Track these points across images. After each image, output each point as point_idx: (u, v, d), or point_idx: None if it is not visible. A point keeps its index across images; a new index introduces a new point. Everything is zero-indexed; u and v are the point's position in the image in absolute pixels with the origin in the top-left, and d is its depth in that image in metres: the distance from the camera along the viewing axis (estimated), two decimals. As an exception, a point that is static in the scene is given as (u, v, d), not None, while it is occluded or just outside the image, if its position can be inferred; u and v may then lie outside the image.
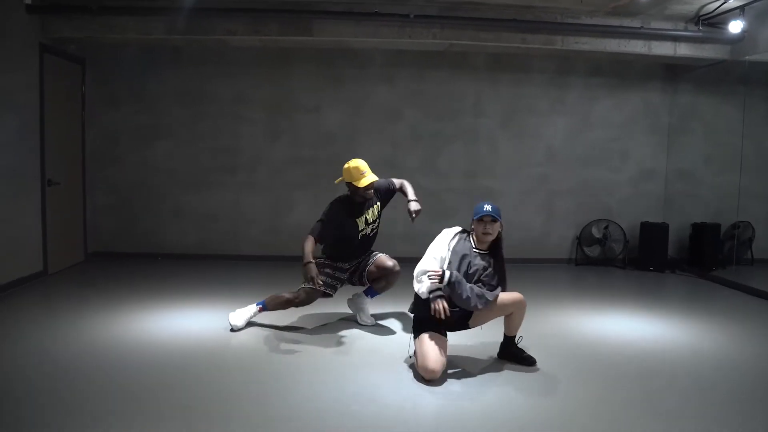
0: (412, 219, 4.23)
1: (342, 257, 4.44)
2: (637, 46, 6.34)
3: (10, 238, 5.40)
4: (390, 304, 5.09)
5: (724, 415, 3.10)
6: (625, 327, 4.77)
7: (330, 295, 4.39)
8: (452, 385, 3.44)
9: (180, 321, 4.59)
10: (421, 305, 3.59)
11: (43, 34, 5.84)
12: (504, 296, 3.62)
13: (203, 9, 5.80)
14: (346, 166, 4.24)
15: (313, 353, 3.93)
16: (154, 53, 6.95)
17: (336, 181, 4.39)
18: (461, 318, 3.67)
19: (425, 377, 3.43)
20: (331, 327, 4.54)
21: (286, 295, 4.32)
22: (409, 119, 7.20)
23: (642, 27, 6.20)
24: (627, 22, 6.24)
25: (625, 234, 7.26)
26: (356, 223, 4.33)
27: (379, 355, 3.93)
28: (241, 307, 4.46)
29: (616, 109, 7.41)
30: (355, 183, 4.19)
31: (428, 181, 7.10)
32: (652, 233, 7.08)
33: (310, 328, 4.50)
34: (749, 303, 5.69)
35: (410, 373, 3.58)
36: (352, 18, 5.92)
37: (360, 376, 3.54)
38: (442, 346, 3.54)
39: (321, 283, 4.11)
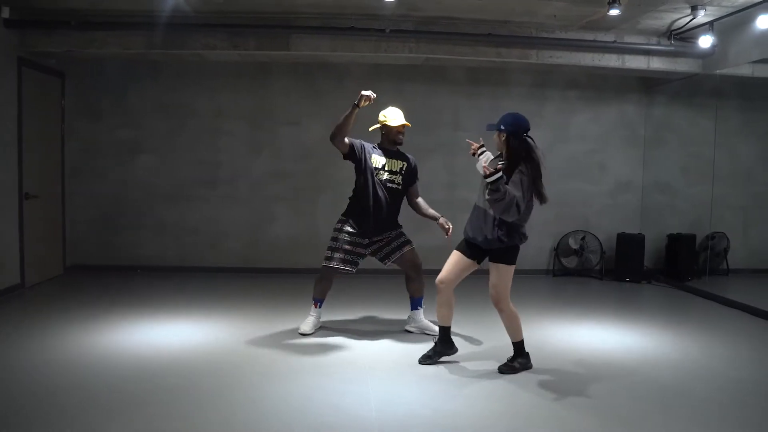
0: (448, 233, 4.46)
1: (363, 216, 4.43)
2: (611, 60, 6.45)
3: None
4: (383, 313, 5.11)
5: (694, 421, 3.16)
6: (600, 337, 4.82)
7: (351, 272, 4.47)
8: (423, 392, 3.48)
9: (156, 333, 4.60)
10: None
11: (21, 48, 5.87)
12: None
13: (181, 24, 5.87)
14: (383, 111, 4.45)
15: (285, 361, 3.96)
16: (135, 67, 6.99)
17: (370, 129, 4.59)
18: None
19: None
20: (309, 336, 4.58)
21: (317, 278, 4.53)
22: (389, 132, 7.25)
23: (615, 41, 6.31)
24: (601, 36, 6.35)
25: (601, 245, 7.33)
26: (380, 159, 4.44)
27: (353, 363, 3.97)
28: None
29: (593, 122, 7.50)
30: (389, 123, 4.37)
31: (408, 193, 7.13)
32: (629, 244, 7.15)
33: (291, 336, 4.54)
34: (723, 313, 5.75)
35: (381, 381, 3.62)
36: (328, 33, 5.99)
37: (329, 383, 3.57)
38: (460, 265, 3.82)
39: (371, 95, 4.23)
